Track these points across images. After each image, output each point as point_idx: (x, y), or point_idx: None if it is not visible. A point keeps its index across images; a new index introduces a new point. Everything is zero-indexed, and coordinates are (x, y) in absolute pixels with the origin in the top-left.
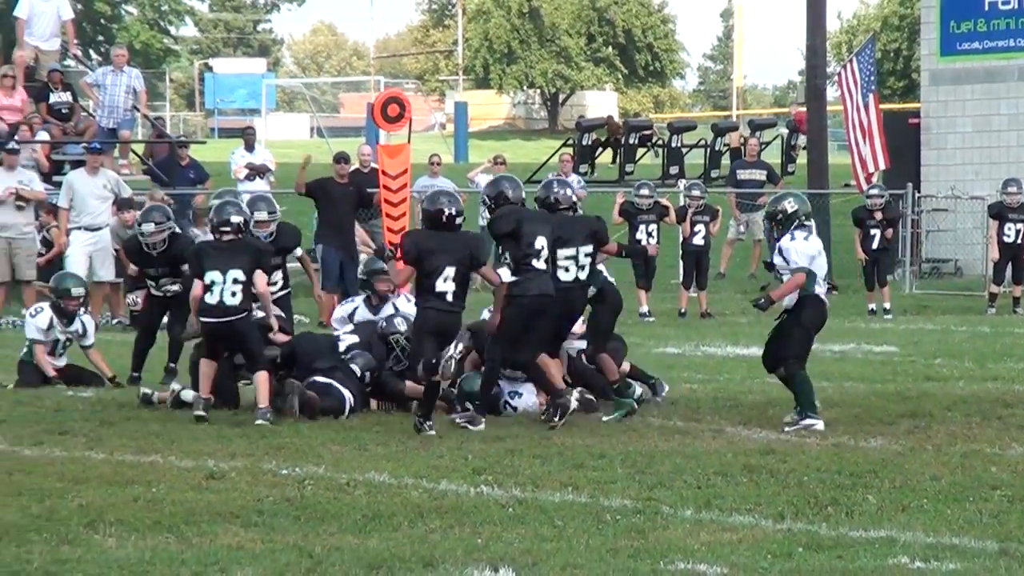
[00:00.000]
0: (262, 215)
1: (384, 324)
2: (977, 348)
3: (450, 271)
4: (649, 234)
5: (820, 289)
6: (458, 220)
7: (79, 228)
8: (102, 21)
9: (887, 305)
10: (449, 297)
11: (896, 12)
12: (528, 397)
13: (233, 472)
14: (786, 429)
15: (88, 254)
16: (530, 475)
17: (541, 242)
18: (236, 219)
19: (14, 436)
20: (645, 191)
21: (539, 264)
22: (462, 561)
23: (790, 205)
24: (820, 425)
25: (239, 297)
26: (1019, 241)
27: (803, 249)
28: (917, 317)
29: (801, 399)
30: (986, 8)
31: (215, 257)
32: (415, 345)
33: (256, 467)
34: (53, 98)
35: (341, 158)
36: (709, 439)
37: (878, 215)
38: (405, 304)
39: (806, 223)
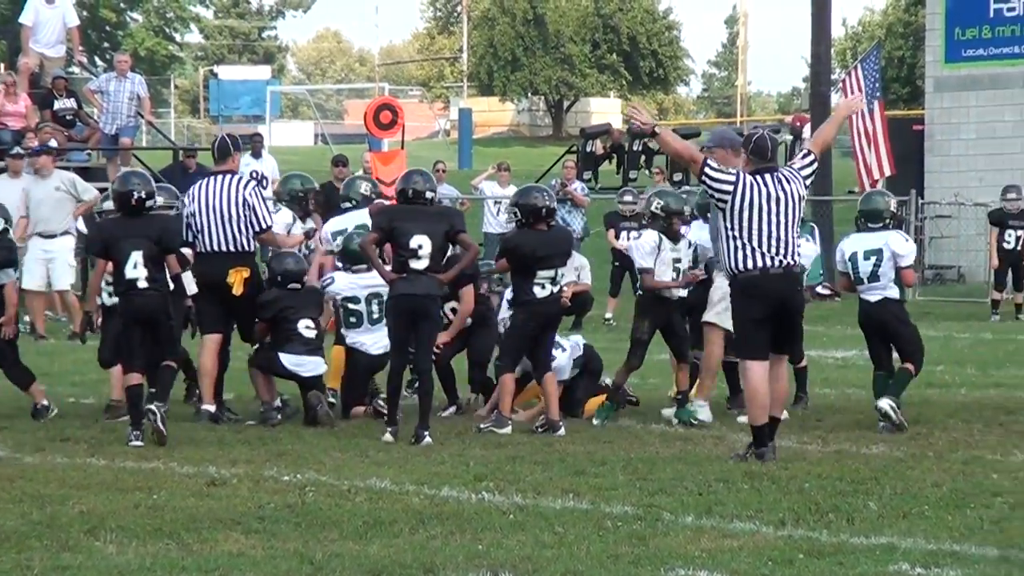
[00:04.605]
0: None
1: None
2: (979, 355)
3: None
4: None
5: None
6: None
7: (35, 235)
8: (107, 28)
9: None
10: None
11: (901, 19)
12: (560, 358)
13: (234, 478)
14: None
15: (44, 263)
16: (531, 481)
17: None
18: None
19: (16, 443)
20: (628, 197)
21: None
22: (463, 567)
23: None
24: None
25: None
26: (1019, 248)
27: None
28: (920, 323)
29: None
30: (991, 15)
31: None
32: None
33: (257, 473)
34: (57, 105)
35: (339, 161)
36: (711, 445)
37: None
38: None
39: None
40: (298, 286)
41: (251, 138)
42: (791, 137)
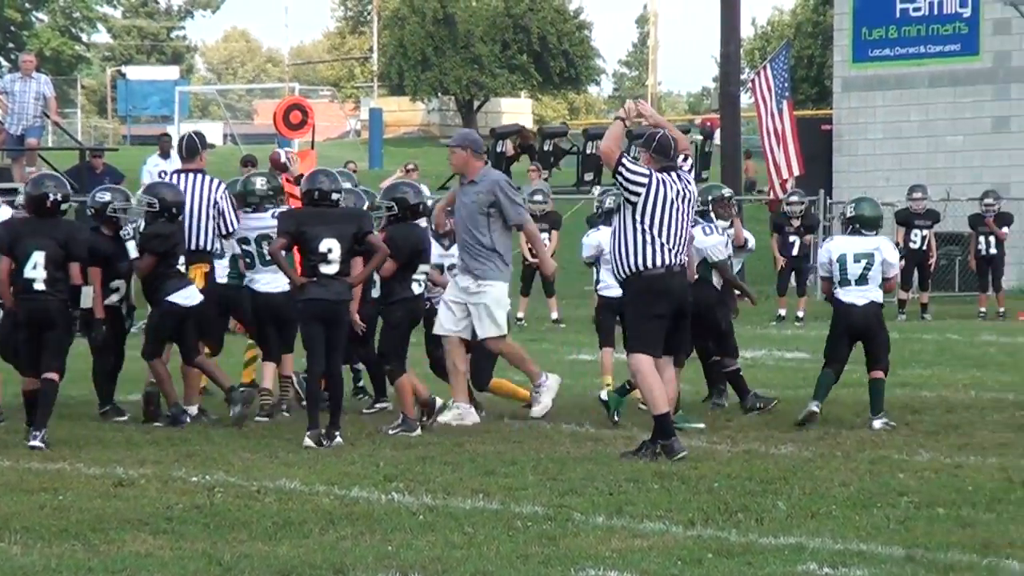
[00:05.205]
0: None
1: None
2: None
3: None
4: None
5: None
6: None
7: None
8: (12, 28)
9: (800, 313)
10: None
11: (810, 19)
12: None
13: (142, 479)
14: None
15: None
16: (441, 482)
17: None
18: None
19: None
20: (539, 197)
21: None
22: (372, 568)
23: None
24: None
25: None
26: (924, 248)
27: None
28: (828, 323)
29: None
30: (897, 15)
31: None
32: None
33: (165, 474)
34: None
35: (248, 161)
36: (621, 446)
37: (796, 222)
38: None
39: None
40: (181, 217)
41: (159, 138)
42: (700, 138)
